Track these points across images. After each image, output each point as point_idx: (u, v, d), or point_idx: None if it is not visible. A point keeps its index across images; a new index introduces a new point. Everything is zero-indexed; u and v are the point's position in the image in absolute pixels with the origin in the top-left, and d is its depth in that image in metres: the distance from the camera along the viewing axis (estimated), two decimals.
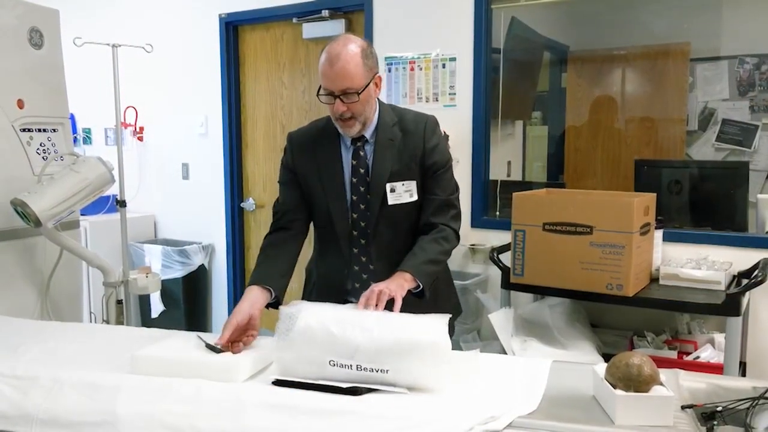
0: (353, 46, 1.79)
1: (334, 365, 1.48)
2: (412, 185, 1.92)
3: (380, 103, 1.96)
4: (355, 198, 1.93)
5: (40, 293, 2.78)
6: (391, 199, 1.91)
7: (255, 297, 1.79)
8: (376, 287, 1.68)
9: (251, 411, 1.39)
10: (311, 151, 1.97)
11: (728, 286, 2.51)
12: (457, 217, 1.97)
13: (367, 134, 1.92)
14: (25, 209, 2.47)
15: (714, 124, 3.43)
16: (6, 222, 2.60)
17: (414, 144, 1.92)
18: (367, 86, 1.81)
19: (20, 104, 2.71)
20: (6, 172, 2.64)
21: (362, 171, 1.92)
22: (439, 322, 1.53)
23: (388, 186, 1.90)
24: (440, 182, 1.94)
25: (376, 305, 1.63)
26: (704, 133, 3.46)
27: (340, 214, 1.94)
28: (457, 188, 2.01)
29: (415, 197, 1.93)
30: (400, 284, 1.73)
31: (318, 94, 1.84)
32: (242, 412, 1.39)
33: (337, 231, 1.96)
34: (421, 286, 1.80)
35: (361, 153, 1.92)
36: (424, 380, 1.45)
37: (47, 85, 2.86)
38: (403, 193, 1.91)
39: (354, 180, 1.92)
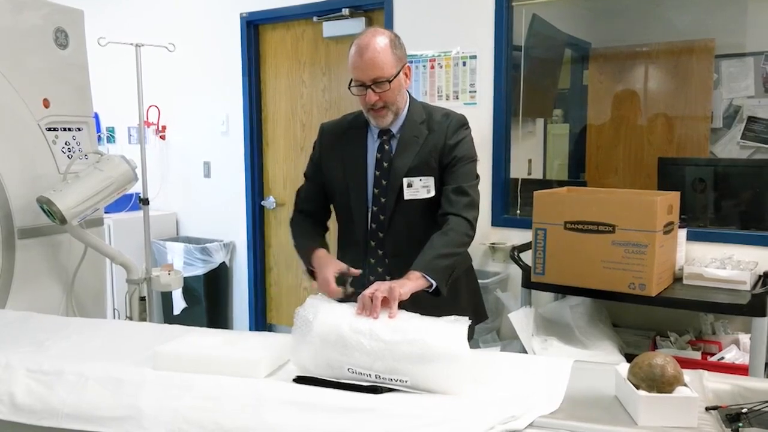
0: (381, 37, 1.83)
1: (353, 372, 1.48)
2: (430, 181, 1.92)
3: (412, 99, 1.98)
4: (376, 191, 1.95)
5: (65, 290, 2.82)
6: (408, 194, 1.91)
7: (327, 255, 1.92)
8: (367, 291, 1.59)
9: (272, 407, 1.40)
10: (339, 142, 2.01)
11: (754, 286, 2.47)
12: (471, 205, 1.88)
13: (394, 129, 1.94)
14: (50, 207, 2.51)
15: (739, 121, 3.37)
16: (32, 219, 2.64)
17: (435, 141, 1.92)
18: (397, 75, 1.85)
19: (46, 104, 2.75)
20: (32, 170, 2.68)
21: (386, 165, 1.94)
22: (458, 327, 1.51)
23: (405, 181, 1.91)
24: (454, 174, 1.91)
25: (375, 310, 1.55)
26: (729, 130, 3.40)
27: (360, 205, 1.97)
28: (475, 177, 1.96)
29: (432, 193, 1.92)
30: (401, 283, 1.64)
31: (350, 87, 1.87)
32: (263, 408, 1.40)
33: (355, 222, 1.98)
34: (434, 284, 1.73)
35: (386, 147, 1.94)
36: (443, 387, 1.44)
37: (72, 85, 2.90)
38: (420, 188, 1.91)
39: (377, 173, 1.95)
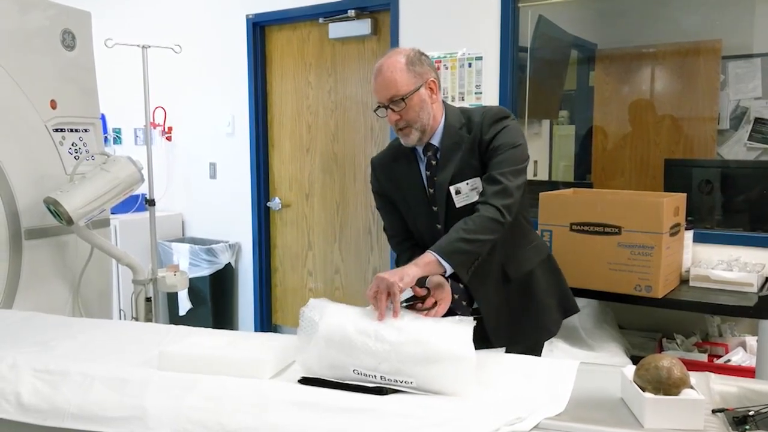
0: (398, 56, 1.82)
1: (358, 374, 1.48)
2: (478, 182, 1.86)
3: (448, 107, 1.93)
4: (435, 209, 1.91)
5: (71, 290, 2.83)
6: (458, 202, 1.87)
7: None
8: (372, 288, 1.59)
9: (276, 408, 1.40)
10: (391, 171, 1.99)
11: (761, 288, 2.46)
12: (502, 192, 1.76)
13: (435, 142, 1.90)
14: (57, 208, 2.52)
15: (746, 123, 3.36)
16: (39, 220, 2.66)
17: (473, 139, 1.87)
18: (415, 91, 1.80)
19: (53, 105, 2.77)
20: (39, 171, 2.69)
21: (436, 179, 1.90)
22: (463, 328, 1.50)
23: (452, 189, 1.86)
24: (491, 165, 1.83)
25: (381, 312, 1.55)
26: (736, 132, 3.39)
27: (427, 225, 1.94)
28: (517, 163, 1.83)
29: None
30: (402, 274, 1.61)
31: (375, 110, 1.86)
32: (267, 409, 1.40)
33: (427, 243, 1.89)
34: (448, 268, 1.68)
35: (433, 162, 1.91)
36: (448, 388, 1.44)
37: (79, 86, 2.91)
38: (469, 192, 1.86)
39: (431, 191, 1.91)
